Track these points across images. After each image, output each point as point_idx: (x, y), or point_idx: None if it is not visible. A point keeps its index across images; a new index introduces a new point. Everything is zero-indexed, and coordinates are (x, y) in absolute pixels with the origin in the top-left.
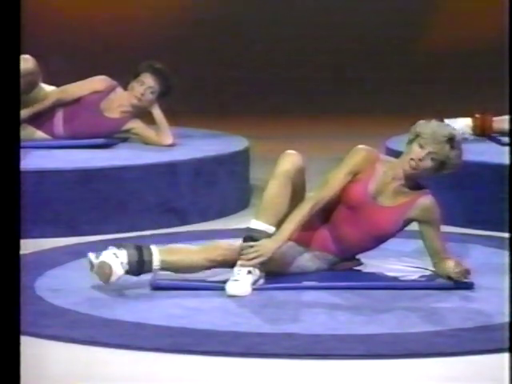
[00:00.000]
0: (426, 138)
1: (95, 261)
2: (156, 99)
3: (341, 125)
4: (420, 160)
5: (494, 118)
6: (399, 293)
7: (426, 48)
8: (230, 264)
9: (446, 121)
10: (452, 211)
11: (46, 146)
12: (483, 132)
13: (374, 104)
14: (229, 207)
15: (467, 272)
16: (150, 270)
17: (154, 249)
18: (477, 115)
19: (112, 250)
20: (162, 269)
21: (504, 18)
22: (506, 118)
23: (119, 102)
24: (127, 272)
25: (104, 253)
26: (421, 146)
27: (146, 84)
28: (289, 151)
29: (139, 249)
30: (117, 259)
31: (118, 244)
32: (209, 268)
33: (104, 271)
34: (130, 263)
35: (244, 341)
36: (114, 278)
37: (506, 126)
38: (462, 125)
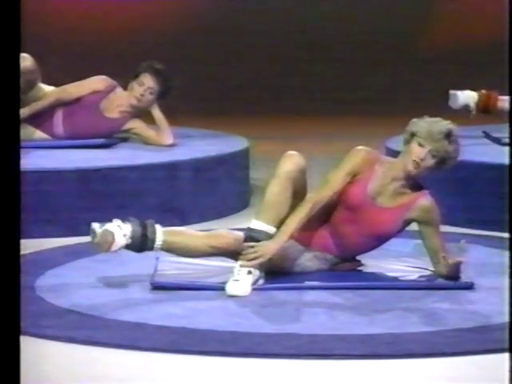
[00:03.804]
0: (424, 137)
1: (99, 230)
2: (155, 99)
3: (341, 125)
4: (422, 160)
5: (500, 97)
6: (399, 293)
7: (426, 48)
8: (231, 253)
9: (452, 92)
10: (452, 211)
11: (45, 146)
12: (486, 108)
13: (374, 104)
14: (229, 207)
15: (458, 269)
16: (151, 247)
17: (159, 228)
18: (483, 91)
19: (117, 222)
20: (164, 249)
21: (504, 17)
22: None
23: (119, 102)
24: (128, 246)
25: (108, 223)
26: (420, 145)
27: (146, 84)
28: (291, 152)
29: (143, 225)
30: (120, 231)
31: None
32: (210, 255)
33: (106, 239)
34: (132, 237)
35: (244, 341)
36: (114, 248)
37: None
38: (467, 96)
